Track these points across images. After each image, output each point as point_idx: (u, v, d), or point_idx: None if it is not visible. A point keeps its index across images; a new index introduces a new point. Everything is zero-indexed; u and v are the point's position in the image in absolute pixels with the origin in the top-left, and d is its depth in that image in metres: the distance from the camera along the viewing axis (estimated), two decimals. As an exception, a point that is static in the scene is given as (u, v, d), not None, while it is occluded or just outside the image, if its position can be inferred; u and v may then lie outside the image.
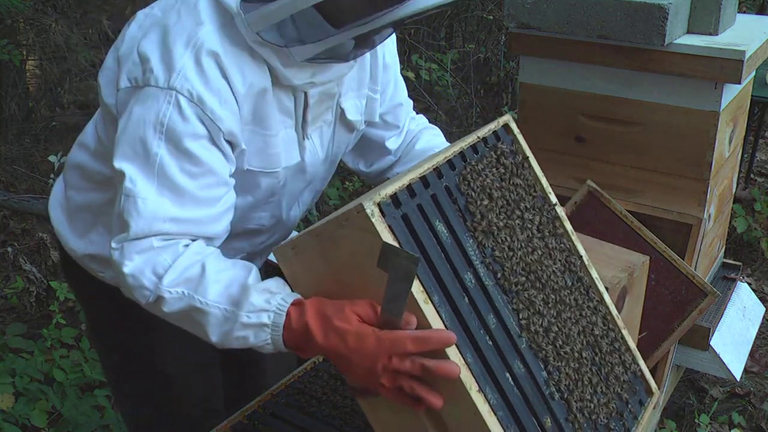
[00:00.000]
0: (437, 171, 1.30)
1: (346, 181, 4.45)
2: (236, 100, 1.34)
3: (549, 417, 1.29)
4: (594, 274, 1.51)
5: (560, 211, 1.48)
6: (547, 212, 1.45)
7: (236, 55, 1.33)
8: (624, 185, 2.45)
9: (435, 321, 1.17)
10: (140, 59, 1.32)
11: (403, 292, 1.13)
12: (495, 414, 1.19)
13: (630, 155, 2.41)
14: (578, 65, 2.38)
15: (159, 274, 1.29)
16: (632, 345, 1.55)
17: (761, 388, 3.01)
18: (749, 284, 3.31)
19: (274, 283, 1.29)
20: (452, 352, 1.16)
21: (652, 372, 2.49)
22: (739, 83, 2.24)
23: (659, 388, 2.51)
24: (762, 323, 2.94)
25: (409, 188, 1.24)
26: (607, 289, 1.77)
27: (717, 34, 2.28)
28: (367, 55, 1.53)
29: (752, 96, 2.80)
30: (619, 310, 1.87)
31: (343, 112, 1.56)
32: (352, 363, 1.18)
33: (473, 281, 1.26)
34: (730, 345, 2.59)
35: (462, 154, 1.35)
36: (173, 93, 1.28)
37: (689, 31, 2.30)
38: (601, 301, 1.51)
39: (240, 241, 1.59)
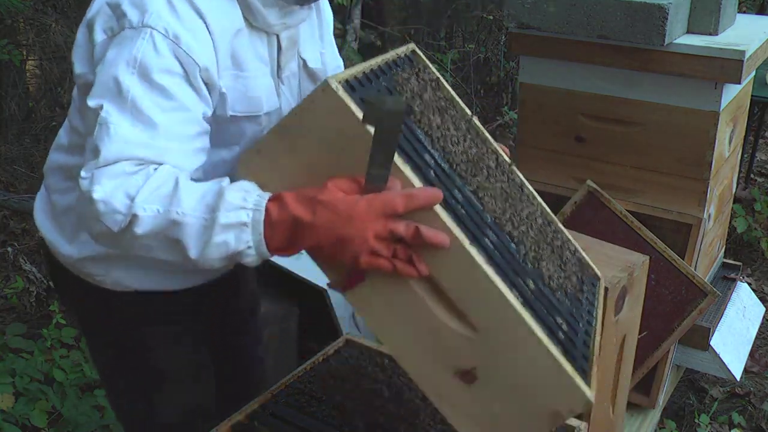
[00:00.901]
0: (374, 72, 1.29)
1: (346, 181, 4.45)
2: (212, 41, 1.33)
3: (531, 280, 1.26)
4: (521, 175, 1.52)
5: (477, 122, 1.48)
6: (467, 123, 1.44)
7: None
8: (624, 185, 2.46)
9: (416, 182, 1.16)
10: (111, 9, 1.32)
11: (390, 147, 1.10)
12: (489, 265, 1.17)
13: (630, 155, 2.41)
14: (578, 65, 2.38)
15: (131, 195, 1.21)
16: (571, 237, 1.55)
17: (761, 388, 3.01)
18: (749, 284, 3.31)
19: (249, 184, 1.23)
20: (439, 211, 1.15)
21: (652, 372, 2.50)
22: (739, 83, 2.24)
23: (659, 388, 2.52)
24: (762, 323, 2.94)
25: (358, 79, 1.23)
26: (607, 289, 1.78)
27: (717, 34, 2.28)
28: (314, 14, 1.60)
29: (752, 96, 2.81)
30: (619, 310, 1.87)
31: (305, 61, 1.59)
32: (344, 237, 1.15)
33: (432, 162, 1.23)
34: (730, 345, 2.59)
35: (387, 65, 1.35)
36: (148, 30, 1.27)
37: (689, 31, 2.30)
38: (535, 197, 1.51)
39: None
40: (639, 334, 2.09)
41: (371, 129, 1.10)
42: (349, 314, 2.77)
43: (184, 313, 1.66)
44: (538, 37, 2.38)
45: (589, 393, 1.19)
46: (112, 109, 1.26)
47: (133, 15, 1.29)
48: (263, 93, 1.47)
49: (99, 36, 1.33)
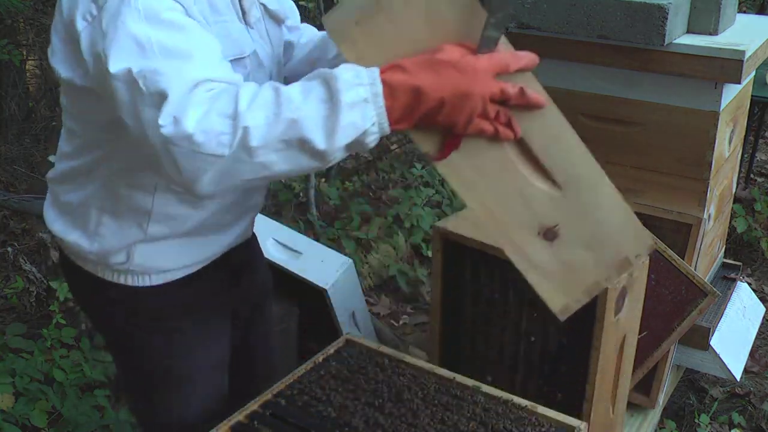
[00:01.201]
0: None
1: (347, 181, 4.45)
2: None
3: None
4: None
5: None
6: None
7: None
8: (624, 185, 2.43)
9: (511, 49, 1.24)
10: None
11: (507, 9, 1.18)
12: None
13: (630, 155, 2.41)
14: (578, 65, 2.38)
15: (229, 113, 1.15)
16: None
17: (761, 388, 3.01)
18: (749, 284, 3.31)
19: (349, 64, 1.20)
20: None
21: (652, 372, 2.50)
22: (739, 83, 2.24)
23: (659, 388, 2.52)
24: (762, 323, 2.94)
25: None
26: (606, 289, 1.78)
27: (717, 34, 2.28)
28: None
29: (752, 96, 2.80)
30: (619, 310, 1.87)
31: (264, 6, 1.57)
32: (467, 93, 1.19)
33: None
34: (730, 345, 2.59)
35: None
36: None
37: (689, 31, 2.30)
38: None
39: None
40: (639, 334, 2.09)
41: None
42: (349, 314, 2.77)
43: (204, 303, 1.67)
44: (538, 37, 2.37)
45: (651, 239, 1.40)
46: (144, 63, 1.20)
47: None
48: (240, 36, 1.46)
49: (80, 25, 1.28)
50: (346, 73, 1.17)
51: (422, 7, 1.19)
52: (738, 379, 2.61)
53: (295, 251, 2.67)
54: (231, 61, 1.38)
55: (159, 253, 1.56)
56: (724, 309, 2.61)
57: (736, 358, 2.59)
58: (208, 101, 1.17)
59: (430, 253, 3.68)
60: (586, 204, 1.34)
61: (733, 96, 2.37)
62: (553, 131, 1.30)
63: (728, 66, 2.16)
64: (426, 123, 1.23)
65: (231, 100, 1.16)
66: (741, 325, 2.70)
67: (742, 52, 2.14)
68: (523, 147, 1.29)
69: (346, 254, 3.30)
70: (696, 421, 2.81)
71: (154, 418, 1.78)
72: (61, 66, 1.39)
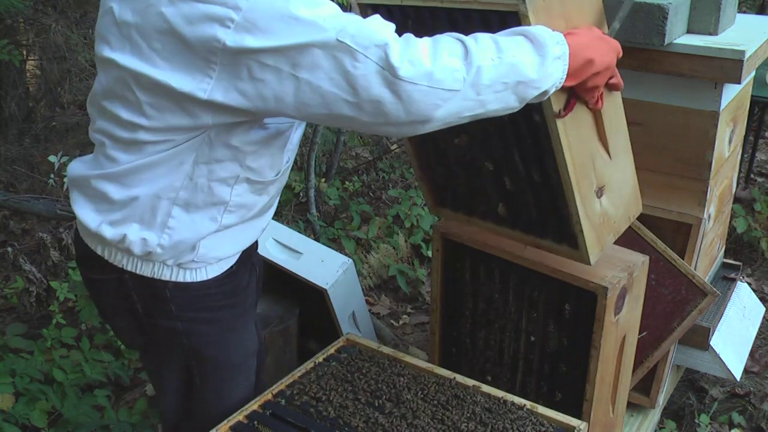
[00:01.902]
0: None
1: (346, 181, 4.45)
2: None
3: None
4: None
5: None
6: None
7: None
8: (624, 185, 2.45)
9: None
10: (217, 2, 1.29)
11: (629, 6, 1.66)
12: None
13: (630, 155, 2.41)
14: (578, 65, 2.38)
15: (459, 54, 1.32)
16: None
17: (761, 388, 3.01)
18: (749, 284, 3.32)
19: (538, 26, 1.43)
20: None
21: (652, 372, 2.50)
22: (739, 83, 2.24)
23: (659, 388, 2.52)
24: (762, 323, 2.94)
25: None
26: (607, 289, 1.78)
27: (717, 34, 2.28)
28: None
29: (752, 96, 2.80)
30: (619, 310, 1.87)
31: None
32: (609, 65, 1.52)
33: None
34: (730, 345, 2.59)
35: None
36: None
37: (689, 31, 2.30)
38: None
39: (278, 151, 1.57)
40: (639, 334, 2.09)
41: None
42: (349, 314, 2.77)
43: (241, 291, 1.70)
44: (538, 37, 2.38)
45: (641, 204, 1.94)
46: (336, 30, 1.27)
47: None
48: None
49: (222, 32, 1.29)
50: (544, 32, 1.39)
51: None
52: (738, 379, 2.60)
53: (295, 251, 2.67)
54: None
55: (222, 241, 1.58)
56: (724, 309, 2.61)
57: (736, 358, 2.59)
58: (431, 41, 1.32)
59: (430, 253, 3.68)
60: (620, 170, 1.79)
61: (733, 96, 2.36)
62: (617, 110, 1.72)
63: (728, 66, 2.16)
64: (577, 79, 1.48)
65: (455, 39, 1.34)
66: (741, 325, 2.70)
67: (742, 52, 2.14)
68: (597, 120, 1.67)
69: (346, 254, 3.30)
70: (696, 421, 2.81)
71: (206, 413, 1.76)
72: (173, 78, 1.37)
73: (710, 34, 2.28)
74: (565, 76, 1.43)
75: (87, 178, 1.56)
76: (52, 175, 3.44)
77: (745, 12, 4.38)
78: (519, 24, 1.47)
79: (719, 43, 2.21)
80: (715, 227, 2.60)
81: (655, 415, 2.61)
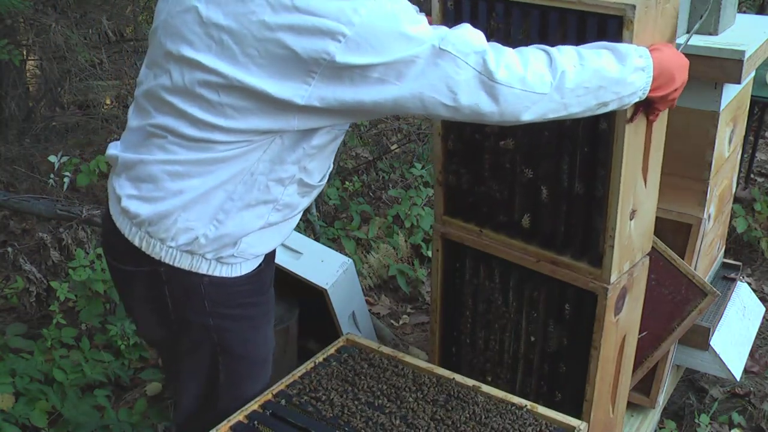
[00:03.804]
0: None
1: (346, 181, 4.45)
2: None
3: None
4: None
5: None
6: None
7: None
8: (624, 185, 2.45)
9: None
10: (331, 17, 1.34)
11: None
12: None
13: (630, 155, 2.41)
14: (578, 65, 2.38)
15: (545, 61, 1.44)
16: None
17: (761, 388, 3.01)
18: (749, 284, 3.32)
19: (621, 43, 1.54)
20: None
21: (652, 372, 2.50)
22: (739, 83, 2.24)
23: (659, 388, 2.52)
24: (762, 323, 2.94)
25: None
26: (607, 289, 1.78)
27: (717, 34, 2.28)
28: None
29: (752, 96, 2.80)
30: (619, 310, 1.87)
31: None
32: (683, 80, 1.61)
33: None
34: (730, 345, 2.59)
35: None
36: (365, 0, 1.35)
37: (689, 31, 2.30)
38: None
39: (329, 155, 1.65)
40: (639, 334, 2.09)
41: None
42: (349, 314, 2.77)
43: (266, 289, 1.74)
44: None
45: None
46: (437, 39, 1.38)
47: (337, 11, 1.33)
48: None
49: (333, 46, 1.34)
50: (627, 45, 1.50)
51: (669, 15, 1.67)
52: (738, 379, 2.60)
53: (295, 251, 2.67)
54: None
55: (262, 238, 1.62)
56: (724, 309, 2.61)
57: (736, 358, 2.59)
58: (517, 51, 1.44)
59: (430, 253, 3.68)
60: (650, 200, 1.87)
61: (733, 96, 2.36)
62: (659, 145, 1.84)
63: (728, 66, 2.16)
64: (655, 92, 1.57)
65: (539, 49, 1.46)
66: (741, 325, 2.70)
67: (742, 52, 2.14)
68: (646, 147, 1.76)
69: (346, 254, 3.30)
70: (696, 421, 2.81)
71: (225, 407, 1.75)
72: (269, 84, 1.39)
73: (710, 34, 2.28)
74: (649, 87, 1.53)
75: (134, 163, 1.56)
76: (52, 175, 3.44)
77: (745, 12, 4.38)
78: (620, 29, 1.55)
79: (719, 43, 2.21)
80: (715, 227, 2.60)
81: (655, 415, 2.61)
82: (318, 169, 1.62)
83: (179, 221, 1.54)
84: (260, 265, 1.68)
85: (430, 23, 1.54)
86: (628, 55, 1.49)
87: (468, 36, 1.41)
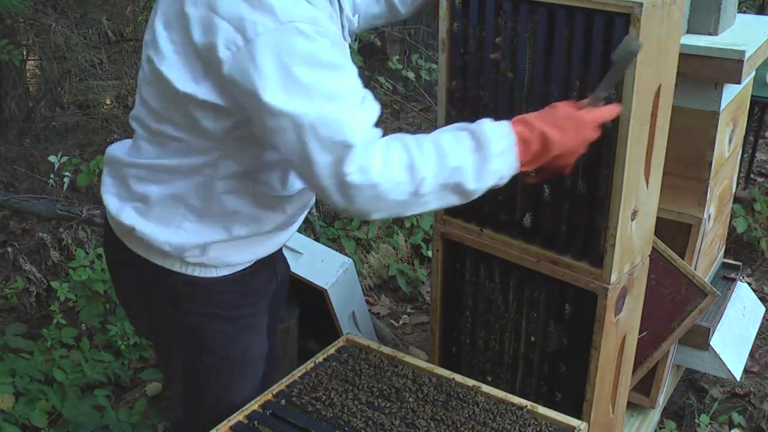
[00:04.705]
0: None
1: (346, 181, 4.44)
2: (332, 10, 1.49)
3: None
4: None
5: None
6: None
7: None
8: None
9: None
10: (231, 24, 1.33)
11: (621, 76, 1.55)
12: None
13: (630, 155, 2.41)
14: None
15: (406, 164, 1.36)
16: None
17: (761, 388, 3.01)
18: (749, 284, 3.32)
19: (487, 119, 1.45)
20: None
21: (652, 372, 2.50)
22: (739, 83, 2.24)
23: (659, 388, 2.52)
24: (762, 323, 2.94)
25: None
26: (607, 289, 1.78)
27: (717, 34, 2.28)
28: None
29: (752, 96, 2.80)
30: (619, 310, 1.87)
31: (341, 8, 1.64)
32: (578, 147, 1.50)
33: None
34: (730, 345, 2.59)
35: None
36: (289, 25, 1.31)
37: (689, 31, 2.30)
38: None
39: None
40: (639, 334, 2.09)
41: (617, 60, 1.51)
42: (349, 314, 2.77)
43: (256, 293, 1.72)
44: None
45: None
46: (314, 109, 1.31)
47: (265, 20, 1.31)
48: (349, 50, 1.60)
49: (223, 53, 1.33)
50: (488, 128, 1.42)
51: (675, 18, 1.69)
52: (738, 379, 2.60)
53: (295, 251, 2.67)
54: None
55: (233, 249, 1.61)
56: (724, 309, 2.61)
57: (736, 358, 2.59)
58: (384, 149, 1.36)
59: (430, 253, 3.68)
60: (651, 202, 1.86)
61: (733, 96, 2.36)
62: (661, 148, 1.84)
63: (728, 66, 2.16)
64: (543, 165, 1.50)
65: (403, 149, 1.38)
66: (741, 325, 2.70)
67: (742, 52, 2.14)
68: (649, 149, 1.76)
69: (346, 254, 3.30)
70: (696, 421, 2.81)
71: (213, 405, 1.77)
72: (177, 79, 1.41)
73: (710, 34, 2.28)
74: (516, 164, 1.45)
75: (119, 163, 1.62)
76: (52, 175, 3.44)
77: (745, 12, 4.38)
78: (627, 27, 1.55)
79: (719, 43, 2.21)
80: (715, 227, 2.60)
81: (655, 415, 2.61)
82: (279, 181, 1.59)
83: (146, 227, 1.56)
84: (246, 269, 1.65)
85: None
86: (489, 141, 1.41)
87: (347, 121, 1.33)
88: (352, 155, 1.32)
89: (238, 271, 1.64)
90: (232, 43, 1.32)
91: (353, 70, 1.40)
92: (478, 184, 1.42)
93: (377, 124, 1.41)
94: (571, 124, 1.48)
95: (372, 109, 1.41)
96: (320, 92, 1.32)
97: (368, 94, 1.42)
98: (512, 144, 1.43)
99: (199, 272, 1.61)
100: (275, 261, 1.77)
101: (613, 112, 1.56)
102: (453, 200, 1.44)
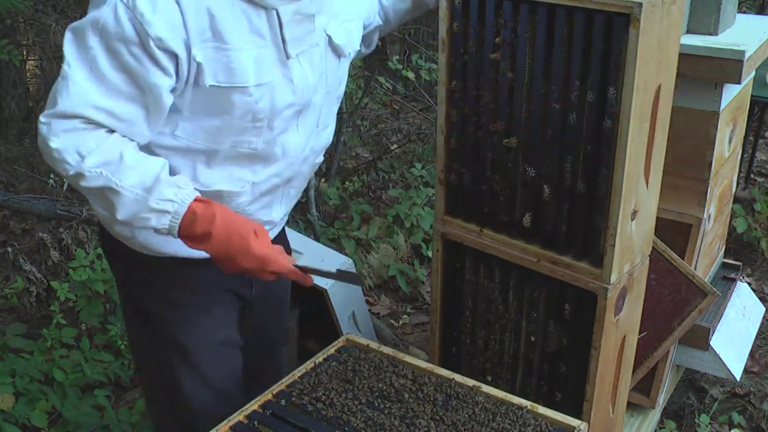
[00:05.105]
0: None
1: (347, 181, 4.45)
2: (182, 15, 1.43)
3: None
4: None
5: None
6: None
7: None
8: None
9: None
10: None
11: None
12: None
13: (630, 155, 2.41)
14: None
15: (82, 154, 1.44)
16: None
17: (761, 388, 3.01)
18: (749, 284, 3.32)
19: (183, 180, 1.53)
20: None
21: (652, 372, 2.50)
22: (739, 83, 2.24)
23: (659, 388, 2.52)
24: (762, 323, 2.94)
25: None
26: (606, 289, 1.78)
27: (717, 34, 2.28)
28: None
29: (752, 96, 2.80)
30: (619, 310, 1.87)
31: (330, 38, 1.67)
32: (230, 256, 1.53)
33: None
34: (730, 345, 2.59)
35: None
36: (113, 2, 1.41)
37: (689, 31, 2.30)
38: None
39: (239, 167, 1.64)
40: (639, 334, 2.09)
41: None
42: (349, 314, 2.77)
43: (213, 286, 1.76)
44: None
45: None
46: (75, 62, 1.42)
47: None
48: (251, 65, 1.53)
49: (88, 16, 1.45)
50: (169, 188, 1.49)
51: (675, 17, 1.72)
52: (738, 379, 2.60)
53: (295, 251, 2.66)
54: (227, 87, 1.51)
55: (159, 239, 1.64)
56: (724, 309, 2.61)
57: (736, 358, 2.59)
58: (76, 132, 1.44)
59: (430, 253, 3.68)
60: (651, 202, 1.86)
61: (733, 96, 2.37)
62: (661, 149, 1.84)
63: (728, 66, 2.16)
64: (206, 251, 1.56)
65: (93, 144, 1.45)
66: (741, 325, 2.70)
67: (742, 52, 2.14)
68: (648, 149, 1.76)
69: (346, 254, 3.30)
70: (696, 421, 2.81)
71: (166, 392, 1.83)
72: None
73: (710, 34, 2.28)
74: (174, 231, 1.51)
75: None
76: (52, 175, 3.44)
77: (745, 12, 4.38)
78: (626, 27, 1.55)
79: (719, 43, 2.21)
80: (715, 227, 2.60)
81: (655, 415, 2.61)
82: (190, 173, 1.63)
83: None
84: (180, 262, 1.68)
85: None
86: (152, 194, 1.48)
87: (68, 86, 1.43)
88: (51, 111, 1.43)
89: (184, 257, 1.68)
90: None
91: (136, 78, 1.45)
92: (123, 217, 1.49)
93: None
94: (235, 242, 1.52)
95: (121, 116, 1.48)
96: (88, 57, 1.43)
97: (136, 108, 1.48)
98: (179, 212, 1.49)
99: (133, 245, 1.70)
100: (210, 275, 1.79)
101: (290, 274, 1.63)
102: (103, 210, 1.52)
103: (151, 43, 1.41)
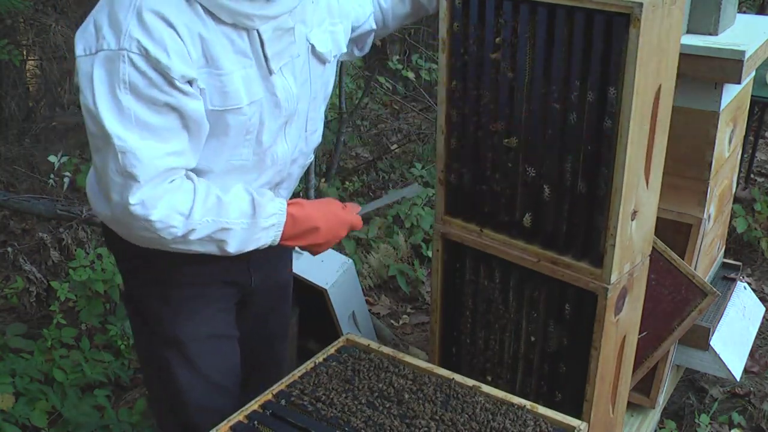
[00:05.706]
0: None
1: (346, 181, 4.45)
2: (184, 44, 1.46)
3: None
4: None
5: None
6: None
7: (174, 6, 1.45)
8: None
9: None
10: (95, 29, 1.44)
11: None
12: None
13: (630, 155, 2.41)
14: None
15: (184, 213, 1.51)
16: None
17: (761, 388, 3.01)
18: (749, 284, 3.32)
19: (266, 191, 1.67)
20: None
21: (652, 372, 2.50)
22: (739, 83, 2.24)
23: (659, 388, 2.52)
24: (762, 323, 2.94)
25: None
26: (607, 289, 1.78)
27: (717, 34, 2.28)
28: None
29: (752, 96, 2.80)
30: (619, 310, 1.87)
31: (312, 46, 1.70)
32: (328, 237, 1.74)
33: None
34: (730, 345, 2.59)
35: None
36: (125, 53, 1.41)
37: (689, 31, 2.30)
38: None
39: (231, 178, 1.67)
40: (639, 334, 2.09)
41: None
42: (349, 314, 2.77)
43: (212, 280, 1.79)
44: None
45: None
46: (123, 132, 1.43)
47: (110, 38, 1.41)
48: (242, 86, 1.56)
49: (79, 50, 1.45)
50: (269, 205, 1.61)
51: (675, 17, 1.73)
52: (738, 379, 2.60)
53: (295, 251, 2.67)
54: (225, 111, 1.55)
55: None
56: (724, 309, 2.61)
57: (736, 358, 2.59)
58: (169, 195, 1.49)
59: (430, 253, 3.68)
60: (651, 202, 1.86)
61: (733, 96, 2.37)
62: (661, 149, 1.86)
63: (728, 66, 2.16)
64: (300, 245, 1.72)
65: (189, 198, 1.52)
66: (741, 325, 2.70)
67: (742, 52, 2.14)
68: (649, 149, 1.77)
69: (346, 254, 3.30)
70: (696, 421, 2.81)
71: (165, 390, 1.84)
72: None
73: (710, 34, 2.28)
74: (277, 240, 1.65)
75: None
76: (52, 175, 3.44)
77: (745, 12, 4.38)
78: (627, 27, 1.55)
79: (719, 43, 2.21)
80: (715, 227, 2.60)
81: (655, 415, 2.61)
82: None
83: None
84: (183, 259, 1.69)
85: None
86: (260, 216, 1.60)
87: (143, 158, 1.45)
88: (136, 187, 1.46)
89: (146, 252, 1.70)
90: (89, 47, 1.45)
91: (179, 116, 1.48)
92: (236, 248, 1.59)
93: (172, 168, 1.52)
94: (336, 219, 1.74)
95: (181, 149, 1.52)
96: (132, 119, 1.44)
97: (191, 142, 1.53)
98: (282, 221, 1.63)
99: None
100: (233, 270, 1.82)
101: (359, 225, 1.87)
102: (213, 250, 1.59)
103: (176, 82, 1.45)
